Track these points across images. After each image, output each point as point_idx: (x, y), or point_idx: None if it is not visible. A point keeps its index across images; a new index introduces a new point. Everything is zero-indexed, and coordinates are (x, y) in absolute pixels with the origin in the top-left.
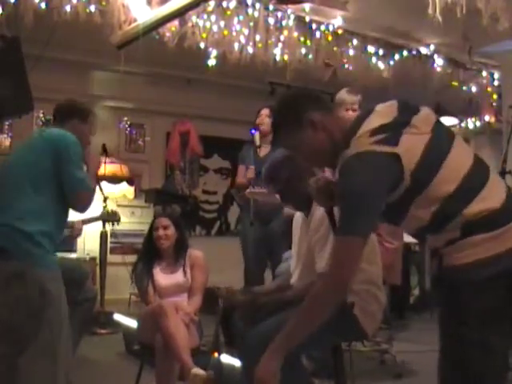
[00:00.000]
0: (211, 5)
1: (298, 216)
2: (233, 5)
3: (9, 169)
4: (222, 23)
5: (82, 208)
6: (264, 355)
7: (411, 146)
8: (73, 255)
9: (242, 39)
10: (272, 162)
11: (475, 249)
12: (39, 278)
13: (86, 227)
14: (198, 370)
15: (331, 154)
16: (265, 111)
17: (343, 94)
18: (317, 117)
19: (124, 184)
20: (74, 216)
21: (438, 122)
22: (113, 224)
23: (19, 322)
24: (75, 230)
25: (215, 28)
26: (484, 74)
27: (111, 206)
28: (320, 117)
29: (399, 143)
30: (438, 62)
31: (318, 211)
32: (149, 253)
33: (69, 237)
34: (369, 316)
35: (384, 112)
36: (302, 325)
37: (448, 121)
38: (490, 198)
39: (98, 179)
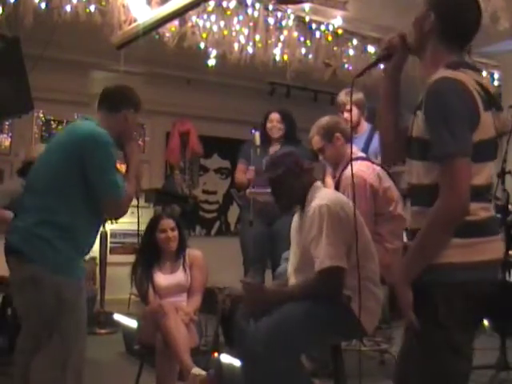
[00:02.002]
0: (211, 5)
1: (296, 217)
2: (233, 5)
3: (37, 171)
4: (222, 23)
5: (116, 215)
6: (397, 290)
7: (484, 127)
8: None
9: (242, 39)
10: (276, 152)
11: (454, 251)
12: (56, 285)
13: None
14: (197, 371)
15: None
16: (275, 116)
17: (341, 95)
18: (443, 29)
19: None
20: None
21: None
22: (112, 222)
23: (32, 325)
24: None
25: (215, 28)
26: (484, 73)
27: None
28: (438, 33)
29: (483, 113)
30: None
31: (310, 210)
32: (148, 254)
33: None
34: (366, 311)
35: (489, 83)
36: (423, 255)
37: None
38: (485, 210)
39: (139, 180)
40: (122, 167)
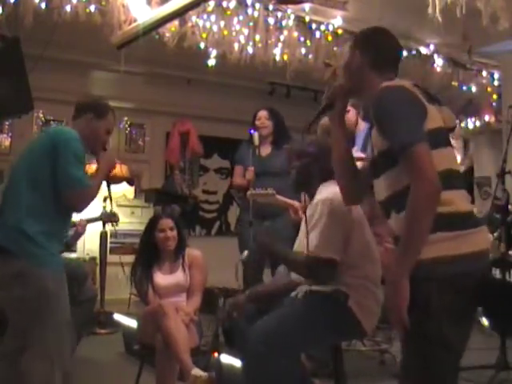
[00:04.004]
0: (211, 5)
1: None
2: (233, 5)
3: (13, 170)
4: (222, 23)
5: (76, 208)
6: (389, 286)
7: (432, 117)
8: (73, 255)
9: (242, 39)
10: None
11: (438, 245)
12: (41, 279)
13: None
14: (198, 372)
15: (369, 79)
16: (263, 113)
17: None
18: (370, 59)
19: (124, 184)
20: (77, 215)
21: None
22: (112, 224)
23: (20, 320)
24: (80, 227)
25: (215, 28)
26: (484, 73)
27: (110, 207)
28: (373, 63)
29: (428, 104)
30: (438, 62)
31: (314, 202)
32: (148, 255)
33: (76, 234)
34: (365, 310)
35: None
36: (413, 245)
37: None
38: (462, 200)
39: (109, 181)
40: (92, 167)
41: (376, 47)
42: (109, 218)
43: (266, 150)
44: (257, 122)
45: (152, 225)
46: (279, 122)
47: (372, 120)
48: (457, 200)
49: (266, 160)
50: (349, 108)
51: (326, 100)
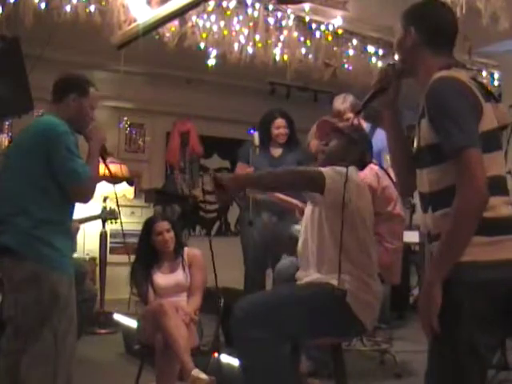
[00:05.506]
0: (211, 5)
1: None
2: (233, 5)
3: (10, 173)
4: (222, 23)
5: (83, 200)
6: (429, 291)
7: (487, 117)
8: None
9: (242, 39)
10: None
11: (475, 249)
12: (53, 283)
13: (86, 227)
14: (197, 372)
15: (426, 64)
16: (282, 122)
17: (336, 104)
18: (427, 37)
19: (124, 184)
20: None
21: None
22: (111, 222)
23: (26, 323)
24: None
25: (215, 28)
26: (484, 74)
27: (110, 206)
28: (424, 43)
29: (484, 104)
30: None
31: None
32: (147, 257)
33: None
34: (363, 304)
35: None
36: (453, 250)
37: None
38: (505, 206)
39: (104, 156)
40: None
41: (434, 23)
42: (109, 215)
43: (277, 151)
44: (275, 131)
45: (148, 228)
46: (293, 128)
47: (424, 111)
48: (500, 206)
49: (277, 160)
50: (350, 115)
51: (377, 83)
